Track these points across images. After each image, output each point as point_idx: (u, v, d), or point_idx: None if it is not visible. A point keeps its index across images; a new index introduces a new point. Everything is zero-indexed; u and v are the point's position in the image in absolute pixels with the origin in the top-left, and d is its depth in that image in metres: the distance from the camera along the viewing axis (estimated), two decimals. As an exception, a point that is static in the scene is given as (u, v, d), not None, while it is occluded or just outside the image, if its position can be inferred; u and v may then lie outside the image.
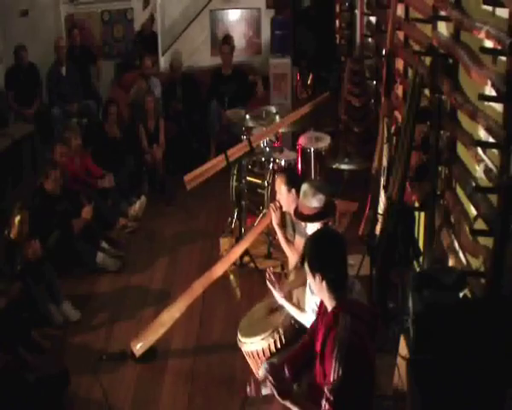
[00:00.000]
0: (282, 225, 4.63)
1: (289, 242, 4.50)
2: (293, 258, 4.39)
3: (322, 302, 3.18)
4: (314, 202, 3.86)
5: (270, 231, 5.67)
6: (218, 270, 4.71)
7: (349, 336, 2.87)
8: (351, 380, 2.84)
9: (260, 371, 3.74)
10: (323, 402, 2.87)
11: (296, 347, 3.47)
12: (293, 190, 4.35)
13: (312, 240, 3.16)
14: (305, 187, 3.92)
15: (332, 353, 2.87)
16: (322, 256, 3.00)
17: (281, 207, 4.56)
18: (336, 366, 2.84)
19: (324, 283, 2.96)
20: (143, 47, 8.74)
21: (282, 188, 4.49)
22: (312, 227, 3.93)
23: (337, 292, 2.99)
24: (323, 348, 2.99)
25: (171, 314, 4.68)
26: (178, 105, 8.10)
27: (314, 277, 2.99)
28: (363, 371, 2.91)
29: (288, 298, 3.92)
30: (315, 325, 3.30)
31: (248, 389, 3.42)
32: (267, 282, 3.93)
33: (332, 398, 2.83)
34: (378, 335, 3.14)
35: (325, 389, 2.88)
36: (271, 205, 4.59)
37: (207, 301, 5.20)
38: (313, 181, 4.24)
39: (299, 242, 4.22)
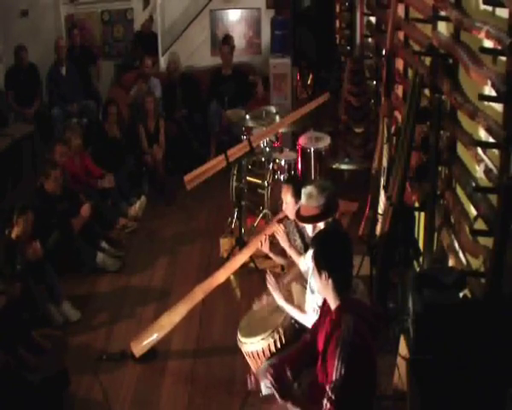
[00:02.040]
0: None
1: (302, 255, 4.48)
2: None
3: (325, 301, 3.18)
4: (321, 200, 3.82)
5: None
6: (220, 277, 4.69)
7: (352, 335, 2.88)
8: (353, 379, 2.85)
9: (260, 372, 3.75)
10: (325, 401, 2.87)
11: (296, 346, 3.47)
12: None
13: (321, 238, 3.18)
14: (308, 189, 3.86)
15: (335, 352, 2.88)
16: (330, 255, 3.02)
17: (284, 225, 4.55)
18: (339, 365, 2.84)
19: (330, 281, 2.97)
20: (142, 47, 8.74)
21: (288, 199, 4.46)
22: (316, 230, 3.92)
23: (342, 291, 3.00)
24: (326, 346, 3.00)
25: (172, 318, 4.67)
26: (181, 107, 8.11)
27: (320, 274, 3.00)
28: (365, 371, 2.91)
29: (289, 300, 3.93)
30: (317, 323, 3.30)
31: (249, 382, 3.43)
32: (267, 284, 3.95)
33: (334, 397, 2.84)
34: (380, 335, 3.15)
35: (327, 388, 2.88)
36: (276, 227, 4.54)
37: (207, 302, 5.18)
38: (314, 181, 4.21)
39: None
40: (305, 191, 3.90)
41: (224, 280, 4.77)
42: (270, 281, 3.92)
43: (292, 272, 4.39)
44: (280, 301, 3.87)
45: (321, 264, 3.01)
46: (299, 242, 4.61)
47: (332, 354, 2.91)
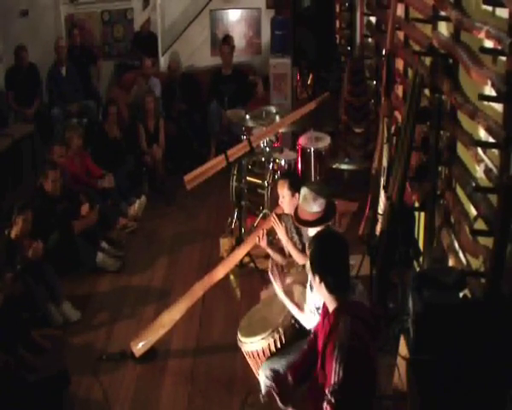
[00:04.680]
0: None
1: (300, 252, 4.47)
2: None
3: (324, 302, 3.18)
4: (314, 207, 3.84)
5: (270, 231, 5.68)
6: (219, 273, 4.71)
7: (349, 338, 2.87)
8: (351, 382, 2.84)
9: (261, 378, 3.76)
10: (325, 404, 2.87)
11: (299, 353, 3.47)
12: (297, 194, 4.31)
13: (315, 241, 3.17)
14: (304, 191, 3.89)
15: (333, 354, 2.88)
16: (323, 258, 3.01)
17: (282, 221, 4.56)
18: (337, 367, 2.84)
19: (323, 284, 2.97)
20: (141, 48, 8.74)
21: (284, 192, 4.47)
22: (313, 230, 3.92)
23: (337, 294, 2.99)
24: (324, 349, 3.00)
25: (172, 316, 4.68)
26: (181, 105, 8.11)
27: (314, 277, 3.01)
28: (363, 373, 2.91)
29: (289, 296, 3.93)
30: (318, 324, 3.30)
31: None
32: (269, 273, 3.94)
33: (333, 400, 2.83)
34: (380, 336, 3.15)
35: (326, 391, 2.88)
36: (274, 220, 4.56)
37: (207, 302, 5.20)
38: (312, 184, 4.21)
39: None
40: (302, 192, 3.93)
41: (223, 276, 4.78)
42: (272, 270, 3.91)
43: (294, 274, 4.38)
44: (280, 293, 3.86)
45: (314, 267, 3.01)
46: (296, 238, 4.61)
47: (330, 356, 2.90)
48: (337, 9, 9.00)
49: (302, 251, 4.45)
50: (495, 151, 3.25)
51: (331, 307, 3.03)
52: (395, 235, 4.30)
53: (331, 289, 2.98)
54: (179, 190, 6.43)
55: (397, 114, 5.47)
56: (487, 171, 3.30)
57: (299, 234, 4.59)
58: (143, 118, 7.50)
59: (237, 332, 4.06)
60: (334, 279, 2.99)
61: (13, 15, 8.46)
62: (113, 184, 6.73)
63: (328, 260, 3.01)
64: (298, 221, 3.98)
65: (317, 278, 2.99)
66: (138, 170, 7.34)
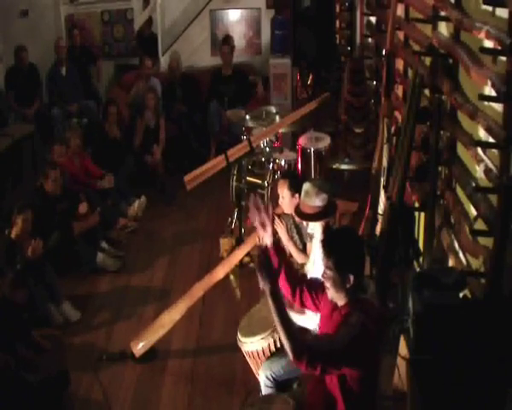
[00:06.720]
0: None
1: (301, 251, 4.49)
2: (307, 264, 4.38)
3: (325, 300, 3.17)
4: (317, 201, 3.84)
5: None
6: (219, 273, 4.70)
7: (360, 329, 2.87)
8: (346, 351, 2.84)
9: (261, 378, 3.75)
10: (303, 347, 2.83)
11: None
12: (297, 195, 4.32)
13: (348, 240, 3.11)
14: (306, 186, 3.91)
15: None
16: (359, 258, 3.03)
17: (283, 220, 4.57)
18: (341, 332, 2.87)
19: (352, 283, 2.96)
20: (142, 48, 8.74)
21: (285, 192, 4.47)
22: (313, 226, 3.94)
23: (354, 292, 3.00)
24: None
25: (172, 316, 4.68)
26: (181, 106, 8.11)
27: (344, 277, 2.96)
28: (363, 360, 2.90)
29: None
30: (321, 322, 3.28)
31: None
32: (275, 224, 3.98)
33: (313, 350, 2.83)
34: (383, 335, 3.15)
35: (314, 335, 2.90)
36: (276, 223, 4.57)
37: (207, 302, 5.20)
38: (315, 180, 4.23)
39: (309, 247, 4.27)
40: (304, 187, 3.93)
41: (223, 277, 4.77)
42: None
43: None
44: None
45: (348, 266, 2.97)
46: (297, 238, 4.61)
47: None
48: (337, 9, 9.01)
49: (303, 250, 4.46)
50: (495, 151, 3.25)
51: (342, 301, 3.02)
52: (395, 235, 4.29)
53: (355, 287, 2.98)
54: (179, 190, 6.43)
55: (397, 114, 5.46)
56: (487, 171, 3.30)
57: (300, 234, 4.60)
58: (143, 115, 7.49)
59: (237, 332, 4.06)
60: (359, 278, 2.99)
61: (13, 15, 8.47)
62: (112, 184, 6.73)
63: (362, 259, 3.04)
64: (298, 215, 3.97)
65: (349, 278, 2.95)
66: (138, 170, 7.34)
